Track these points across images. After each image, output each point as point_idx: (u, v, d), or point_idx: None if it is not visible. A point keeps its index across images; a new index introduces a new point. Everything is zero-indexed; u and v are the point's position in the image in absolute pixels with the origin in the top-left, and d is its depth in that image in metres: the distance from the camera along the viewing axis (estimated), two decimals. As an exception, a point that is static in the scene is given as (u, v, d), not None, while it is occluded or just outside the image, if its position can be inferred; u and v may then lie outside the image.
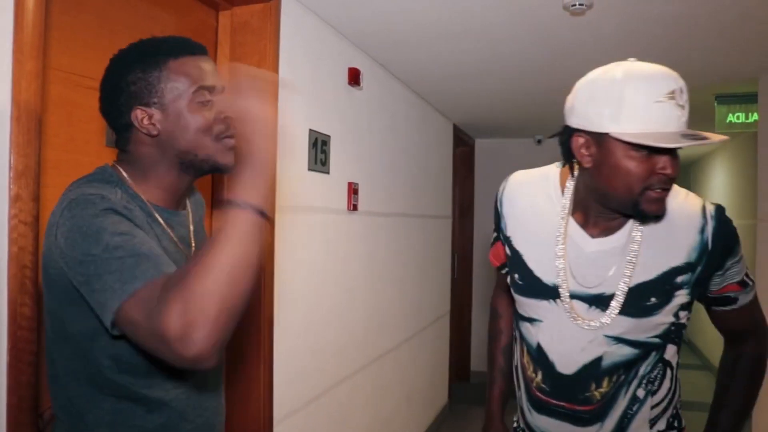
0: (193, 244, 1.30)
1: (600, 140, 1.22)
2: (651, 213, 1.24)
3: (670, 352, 1.38)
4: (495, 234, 1.58)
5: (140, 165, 1.20)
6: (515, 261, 1.47)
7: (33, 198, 1.41)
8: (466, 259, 6.15)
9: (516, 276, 1.46)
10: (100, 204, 1.05)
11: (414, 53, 3.24)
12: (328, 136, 2.76)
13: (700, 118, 4.63)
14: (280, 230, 2.36)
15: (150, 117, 1.16)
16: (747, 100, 3.92)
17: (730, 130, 4.07)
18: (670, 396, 1.40)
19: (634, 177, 1.20)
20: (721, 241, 1.29)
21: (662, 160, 1.19)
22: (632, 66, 1.22)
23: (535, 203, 1.44)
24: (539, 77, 3.65)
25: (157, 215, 1.19)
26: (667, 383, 1.38)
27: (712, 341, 7.17)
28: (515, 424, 1.58)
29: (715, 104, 4.03)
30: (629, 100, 1.16)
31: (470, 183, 6.21)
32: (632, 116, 1.16)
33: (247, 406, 2.27)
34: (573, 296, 1.34)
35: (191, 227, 1.32)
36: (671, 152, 1.20)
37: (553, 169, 1.45)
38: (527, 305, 1.44)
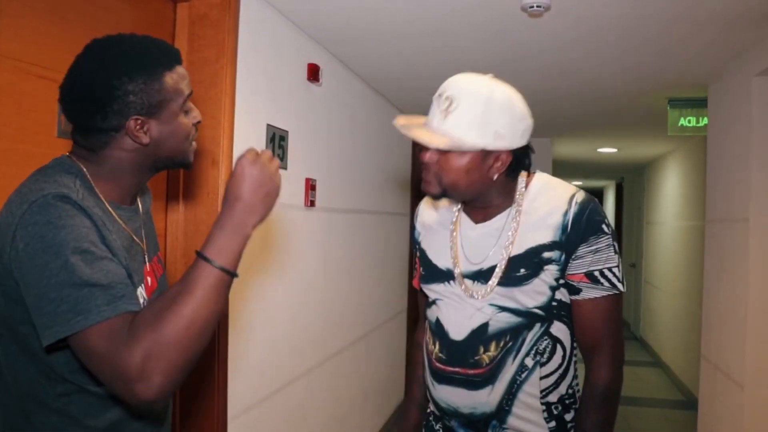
0: (144, 238, 1.28)
1: None
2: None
3: (558, 330, 1.50)
4: (416, 259, 1.74)
5: (107, 166, 1.18)
6: (422, 259, 1.67)
7: (-20, 188, 1.38)
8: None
9: (422, 269, 1.66)
10: (63, 207, 1.02)
11: (374, 50, 3.25)
12: (286, 132, 2.75)
13: (653, 120, 4.78)
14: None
15: (143, 126, 1.15)
16: (698, 104, 4.04)
17: (681, 133, 4.19)
18: (561, 372, 1.51)
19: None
20: (577, 227, 1.43)
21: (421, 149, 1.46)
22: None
23: (435, 206, 1.68)
24: (497, 77, 3.68)
25: (112, 212, 1.17)
26: (557, 359, 1.50)
27: (662, 338, 7.35)
28: (428, 410, 1.70)
29: (668, 108, 4.14)
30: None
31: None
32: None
33: (201, 402, 2.25)
34: (465, 275, 1.53)
35: (142, 217, 1.31)
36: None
37: None
38: (430, 290, 1.62)
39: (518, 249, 1.47)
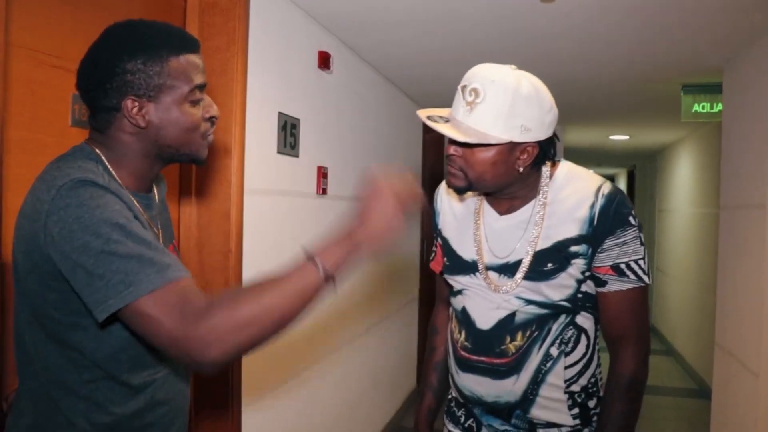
0: (160, 226, 1.29)
1: None
2: (450, 186, 1.48)
3: (584, 320, 1.51)
4: (434, 242, 1.73)
5: (117, 150, 1.18)
6: (445, 248, 1.65)
7: (-6, 177, 1.38)
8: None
9: (446, 259, 1.64)
10: (92, 189, 1.03)
11: (384, 38, 3.23)
12: (298, 120, 2.75)
13: (666, 107, 4.73)
14: (248, 213, 2.34)
15: (140, 109, 1.15)
16: (712, 90, 3.99)
17: (695, 120, 4.14)
18: (585, 361, 1.52)
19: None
20: (604, 219, 1.42)
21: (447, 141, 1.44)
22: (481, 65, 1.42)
23: (460, 195, 1.61)
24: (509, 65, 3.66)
25: (132, 198, 1.18)
26: (582, 348, 1.51)
27: (675, 326, 7.32)
28: (450, 396, 1.72)
29: (682, 94, 4.09)
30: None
31: (440, 168, 6.22)
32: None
33: (215, 391, 2.26)
34: (488, 268, 1.52)
35: (157, 205, 1.32)
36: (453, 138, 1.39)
37: None
38: (456, 281, 1.61)
39: (545, 243, 1.46)
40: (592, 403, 1.53)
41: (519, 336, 1.48)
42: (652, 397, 5.59)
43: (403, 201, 1.13)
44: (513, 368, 1.48)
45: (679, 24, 2.86)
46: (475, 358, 1.52)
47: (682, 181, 7.06)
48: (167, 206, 1.42)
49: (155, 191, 1.32)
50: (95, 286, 0.99)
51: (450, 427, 1.68)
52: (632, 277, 1.44)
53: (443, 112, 1.44)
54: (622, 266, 1.44)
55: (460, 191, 1.48)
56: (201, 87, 1.20)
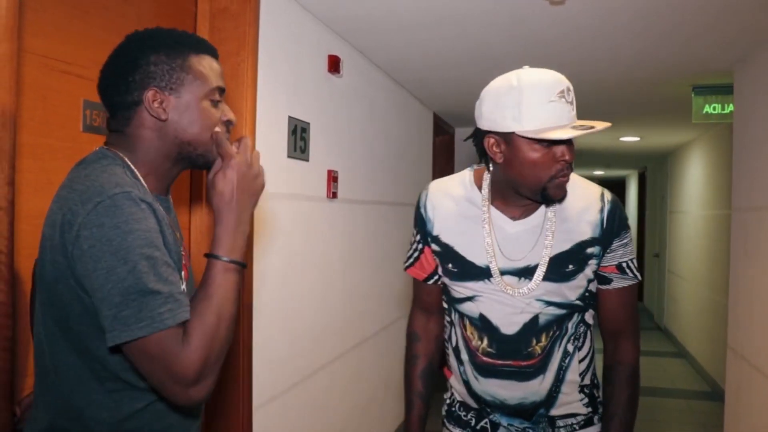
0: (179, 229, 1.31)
1: (507, 139, 1.43)
2: (556, 198, 1.46)
3: (589, 316, 1.62)
4: (415, 248, 1.71)
5: (137, 148, 1.19)
6: (447, 253, 1.63)
7: (8, 182, 1.39)
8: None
9: (449, 265, 1.62)
10: (129, 206, 1.04)
11: (394, 41, 3.24)
12: (308, 124, 2.75)
13: (677, 108, 4.71)
14: (259, 218, 2.35)
15: (162, 101, 1.17)
16: (723, 91, 3.97)
17: (706, 121, 4.12)
18: (591, 353, 1.64)
19: (540, 166, 1.42)
20: (612, 222, 1.53)
21: (560, 150, 1.41)
22: (525, 73, 1.42)
23: (457, 201, 1.63)
24: (519, 67, 3.66)
25: (158, 204, 1.19)
26: (588, 342, 1.63)
27: (686, 328, 7.28)
28: (448, 401, 1.74)
29: (692, 95, 4.07)
30: (526, 102, 1.37)
31: (450, 171, 6.22)
32: (531, 116, 1.37)
33: (227, 392, 2.27)
34: (503, 272, 1.54)
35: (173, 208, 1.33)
36: (567, 141, 1.41)
37: (467, 172, 1.66)
38: (464, 288, 1.60)
39: (563, 246, 1.52)
40: (596, 392, 1.65)
41: (543, 337, 1.54)
42: (664, 399, 5.56)
43: (252, 160, 1.21)
44: (539, 368, 1.55)
45: (688, 25, 2.85)
46: (500, 362, 1.56)
47: (694, 183, 7.02)
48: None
49: (170, 197, 1.34)
50: (107, 312, 1.01)
51: (456, 431, 1.70)
52: (630, 274, 1.57)
53: (559, 127, 1.38)
54: (624, 265, 1.56)
55: (561, 201, 1.51)
56: (221, 90, 1.24)
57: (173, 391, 1.04)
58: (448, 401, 1.75)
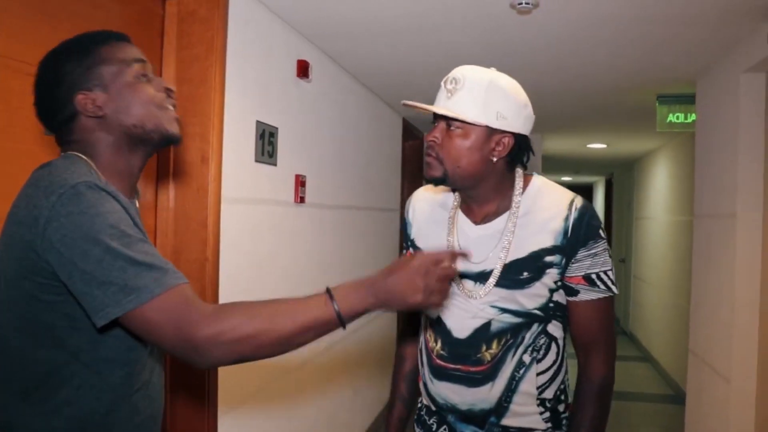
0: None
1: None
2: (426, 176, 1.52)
3: (554, 328, 1.55)
4: (405, 251, 1.74)
5: (94, 153, 1.21)
6: None
7: (-32, 186, 1.38)
8: (414, 252, 6.17)
9: None
10: (93, 194, 1.05)
11: (363, 47, 3.25)
12: (276, 128, 2.75)
13: (642, 116, 4.80)
14: (225, 221, 2.35)
15: (93, 100, 1.19)
16: (686, 100, 4.06)
17: (670, 129, 4.21)
18: (555, 368, 1.56)
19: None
20: (578, 231, 1.48)
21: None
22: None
23: (432, 205, 1.67)
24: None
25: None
26: (552, 355, 1.55)
27: (651, 333, 7.40)
28: (419, 404, 1.73)
29: (657, 104, 4.16)
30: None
31: (419, 176, 6.25)
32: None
33: (192, 397, 2.25)
34: (463, 276, 1.54)
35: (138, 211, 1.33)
36: (439, 123, 1.49)
37: None
38: None
39: (520, 252, 1.50)
40: (561, 407, 1.58)
41: (494, 344, 1.51)
42: (628, 402, 5.64)
43: (433, 277, 1.11)
44: (488, 376, 1.51)
45: (651, 35, 2.91)
46: (451, 366, 1.55)
47: (659, 189, 7.15)
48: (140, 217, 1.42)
49: (137, 200, 1.34)
50: (94, 294, 1.02)
51: None
52: (602, 287, 1.51)
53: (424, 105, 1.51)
54: (593, 276, 1.50)
55: (435, 182, 1.52)
56: (141, 62, 1.24)
57: (182, 351, 1.05)
58: (419, 405, 1.74)
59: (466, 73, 1.47)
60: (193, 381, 2.25)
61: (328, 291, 1.10)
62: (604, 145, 7.03)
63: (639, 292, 8.35)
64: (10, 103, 1.63)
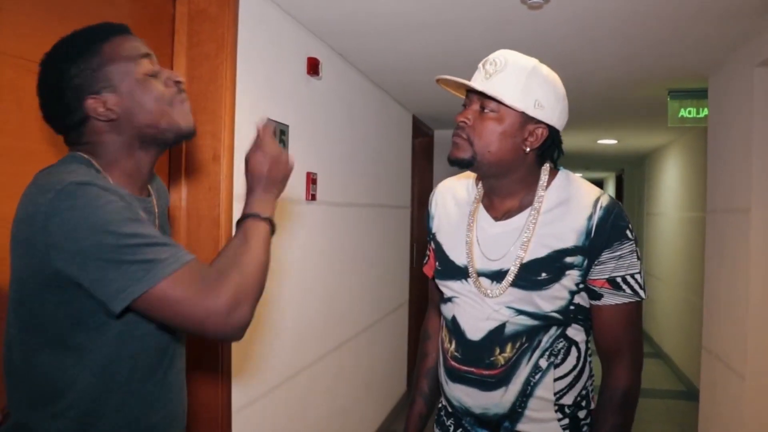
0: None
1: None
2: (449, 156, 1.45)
3: (575, 332, 1.48)
4: (428, 246, 1.70)
5: (103, 153, 1.19)
6: (438, 252, 1.62)
7: (-18, 186, 1.38)
8: (424, 248, 6.17)
9: (437, 264, 1.61)
10: (93, 189, 1.04)
11: (373, 44, 3.24)
12: (287, 126, 2.75)
13: (653, 112, 4.77)
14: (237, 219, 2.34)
15: (104, 103, 1.16)
16: (698, 95, 4.03)
17: (681, 125, 4.18)
18: (576, 373, 1.48)
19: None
20: (602, 232, 1.40)
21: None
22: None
23: (456, 198, 1.62)
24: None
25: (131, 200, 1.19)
26: (572, 360, 1.48)
27: (663, 329, 7.36)
28: (440, 404, 1.69)
29: (668, 99, 4.13)
30: None
31: (429, 173, 6.24)
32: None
33: (205, 396, 2.26)
34: (480, 274, 1.49)
35: (156, 212, 1.32)
36: (472, 105, 1.44)
37: None
38: (446, 287, 1.57)
39: (539, 252, 1.42)
40: (582, 414, 1.50)
41: (508, 348, 1.45)
42: (641, 399, 5.55)
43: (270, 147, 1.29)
44: (502, 380, 1.45)
45: (663, 30, 2.89)
46: (465, 368, 1.50)
47: (670, 185, 7.11)
48: (168, 219, 1.43)
49: (154, 199, 1.32)
50: (110, 277, 1.01)
51: None
52: (628, 291, 1.43)
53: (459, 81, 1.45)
54: (618, 280, 1.42)
55: (461, 164, 1.43)
56: (149, 57, 1.22)
57: (210, 325, 1.05)
58: (439, 405, 1.69)
59: (508, 56, 1.43)
60: (207, 379, 2.25)
61: (250, 215, 1.23)
62: (614, 141, 6.99)
63: (650, 289, 8.30)
64: (22, 103, 1.63)
